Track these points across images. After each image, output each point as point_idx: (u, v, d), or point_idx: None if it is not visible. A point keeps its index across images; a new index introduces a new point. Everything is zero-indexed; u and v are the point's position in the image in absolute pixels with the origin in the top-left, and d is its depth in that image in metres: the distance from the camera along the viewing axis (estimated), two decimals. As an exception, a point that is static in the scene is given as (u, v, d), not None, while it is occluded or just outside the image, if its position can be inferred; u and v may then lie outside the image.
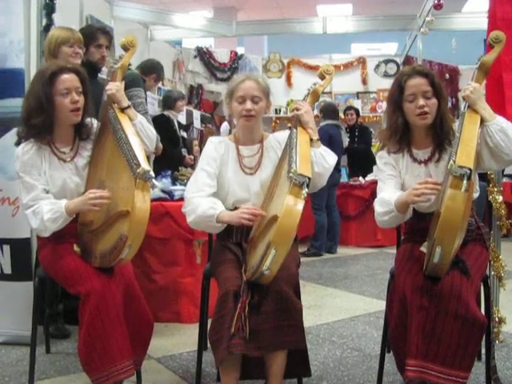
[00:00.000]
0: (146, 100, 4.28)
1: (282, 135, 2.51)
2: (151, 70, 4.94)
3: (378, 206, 2.33)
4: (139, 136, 2.39)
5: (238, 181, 2.42)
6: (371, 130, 7.42)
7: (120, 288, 2.25)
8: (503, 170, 3.06)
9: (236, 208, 2.36)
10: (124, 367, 2.15)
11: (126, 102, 2.45)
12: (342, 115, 7.06)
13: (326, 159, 2.36)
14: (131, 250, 2.16)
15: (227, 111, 8.53)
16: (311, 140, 2.33)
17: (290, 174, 2.01)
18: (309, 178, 2.02)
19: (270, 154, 2.47)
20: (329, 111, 6.14)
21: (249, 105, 2.37)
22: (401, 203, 2.21)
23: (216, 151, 2.47)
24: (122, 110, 2.43)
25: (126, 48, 2.54)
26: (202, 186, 2.39)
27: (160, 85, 7.65)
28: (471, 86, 2.26)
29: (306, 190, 2.00)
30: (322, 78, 2.50)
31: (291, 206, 1.97)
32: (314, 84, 2.51)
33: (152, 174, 2.14)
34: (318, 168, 2.32)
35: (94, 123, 2.51)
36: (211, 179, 2.42)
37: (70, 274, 2.27)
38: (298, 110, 2.40)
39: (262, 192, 2.40)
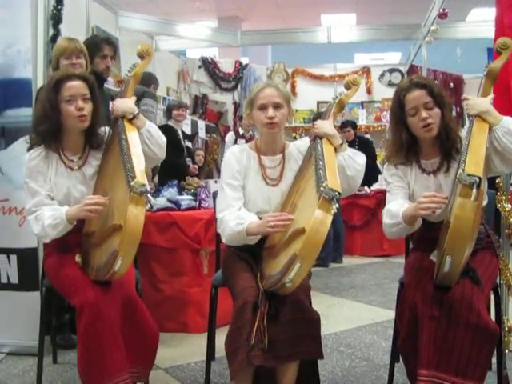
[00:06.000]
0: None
1: (303, 144, 2.47)
2: (149, 80, 5.19)
3: (387, 218, 2.31)
4: (147, 144, 2.37)
5: (260, 192, 2.37)
6: (372, 140, 7.39)
7: (117, 300, 2.18)
8: (511, 177, 3.04)
9: (260, 218, 2.29)
10: (121, 380, 2.09)
11: (130, 114, 2.38)
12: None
13: (355, 160, 2.32)
14: (123, 265, 2.08)
15: (232, 121, 8.61)
16: (337, 146, 2.29)
17: (321, 188, 1.96)
18: (339, 193, 1.97)
19: (291, 164, 2.42)
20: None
21: (271, 112, 2.31)
22: (408, 216, 2.19)
23: (238, 163, 2.41)
24: (130, 120, 2.38)
25: (141, 56, 2.52)
26: (231, 201, 2.33)
27: (165, 95, 7.71)
28: (466, 101, 2.27)
29: (337, 205, 1.95)
30: (348, 88, 2.47)
31: (320, 220, 1.92)
32: (340, 94, 2.47)
33: (147, 188, 2.05)
34: (350, 171, 2.27)
35: (107, 131, 2.48)
36: (238, 192, 2.37)
37: (68, 285, 2.23)
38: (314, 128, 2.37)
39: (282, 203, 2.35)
